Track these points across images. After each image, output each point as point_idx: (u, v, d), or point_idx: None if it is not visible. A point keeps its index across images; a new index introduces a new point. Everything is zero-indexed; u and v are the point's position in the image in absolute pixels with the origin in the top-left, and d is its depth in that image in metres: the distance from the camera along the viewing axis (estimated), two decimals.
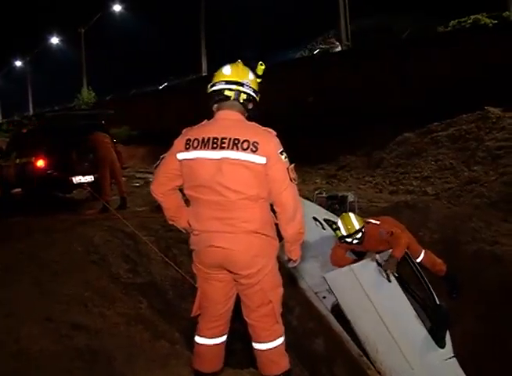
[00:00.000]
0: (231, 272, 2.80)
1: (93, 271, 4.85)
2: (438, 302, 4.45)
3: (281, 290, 2.92)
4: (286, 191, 2.71)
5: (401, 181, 10.25)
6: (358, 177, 11.48)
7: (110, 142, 9.09)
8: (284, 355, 2.99)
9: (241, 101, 2.79)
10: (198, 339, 3.01)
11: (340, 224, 4.82)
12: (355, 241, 4.78)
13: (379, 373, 4.03)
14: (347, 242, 4.81)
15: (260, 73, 2.90)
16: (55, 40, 37.83)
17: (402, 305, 4.20)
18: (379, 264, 4.33)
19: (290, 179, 2.72)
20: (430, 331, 4.16)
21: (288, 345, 4.50)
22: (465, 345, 4.44)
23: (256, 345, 2.93)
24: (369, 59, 14.87)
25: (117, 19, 31.94)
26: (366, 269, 4.35)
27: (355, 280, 4.27)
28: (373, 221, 4.99)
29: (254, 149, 2.64)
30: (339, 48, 19.03)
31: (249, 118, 2.87)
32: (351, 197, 7.59)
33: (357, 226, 4.75)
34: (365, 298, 4.17)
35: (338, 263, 4.92)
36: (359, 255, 5.09)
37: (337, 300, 4.46)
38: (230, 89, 2.78)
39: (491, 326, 4.62)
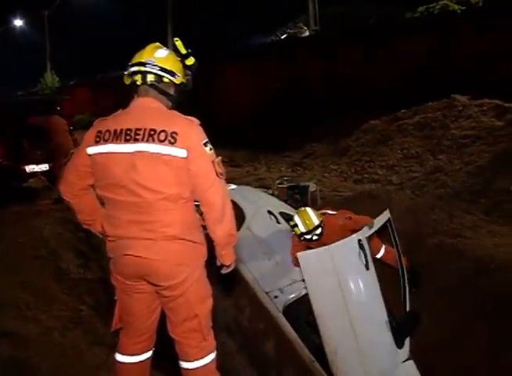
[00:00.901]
0: (151, 283, 2.45)
1: (36, 268, 4.51)
2: (407, 309, 4.14)
3: (210, 302, 2.58)
4: (213, 188, 2.38)
5: (366, 169, 10.07)
6: (324, 165, 11.24)
7: (67, 129, 8.72)
8: (214, 373, 2.65)
9: (149, 83, 2.43)
10: (120, 357, 2.66)
11: (297, 220, 4.52)
12: (315, 237, 4.50)
13: None
14: (306, 239, 4.51)
15: (183, 51, 2.53)
16: (18, 22, 36.59)
17: (375, 299, 3.80)
18: (360, 246, 3.78)
19: (217, 174, 2.39)
20: (393, 330, 3.82)
21: (239, 346, 4.36)
22: (424, 342, 4.23)
23: (183, 364, 2.59)
24: (337, 44, 14.61)
25: (82, 2, 31.05)
26: (346, 251, 3.79)
27: (330, 263, 3.74)
28: (330, 212, 4.75)
29: (172, 140, 2.29)
30: (307, 33, 18.74)
31: (177, 107, 2.51)
32: (312, 187, 7.39)
33: (316, 222, 4.47)
34: (336, 286, 3.70)
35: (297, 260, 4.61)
36: None
37: (305, 287, 4.05)
38: (135, 72, 2.44)
39: (450, 321, 4.42)
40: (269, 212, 5.31)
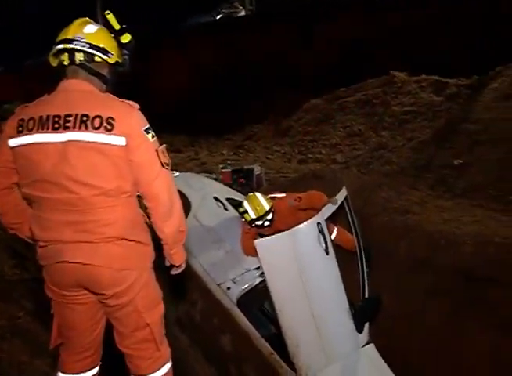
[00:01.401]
0: (93, 292, 2.16)
1: None
2: (366, 295, 3.99)
3: (161, 307, 2.28)
4: (158, 180, 2.08)
5: (309, 149, 10.02)
6: (266, 146, 11.16)
7: None
8: None
9: (78, 63, 2.09)
10: None
11: (247, 207, 4.31)
12: (266, 223, 4.32)
13: (294, 371, 3.55)
14: (257, 225, 4.30)
15: (116, 26, 2.20)
16: None
17: (335, 285, 3.58)
18: (320, 229, 3.50)
19: (162, 164, 2.09)
20: (353, 316, 3.66)
21: (194, 342, 4.11)
22: (384, 322, 4.17)
23: None
24: (273, 23, 14.47)
25: None
26: (306, 235, 3.47)
27: (290, 250, 3.44)
28: (279, 195, 4.58)
29: (108, 127, 1.97)
30: (243, 13, 18.41)
31: (114, 90, 2.19)
32: (257, 170, 7.30)
33: (266, 207, 4.29)
34: (297, 275, 3.43)
35: (252, 252, 4.37)
36: None
37: (262, 274, 3.78)
38: (61, 51, 2.10)
39: (400, 299, 4.40)
40: (216, 199, 5.05)
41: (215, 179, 6.77)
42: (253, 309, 4.22)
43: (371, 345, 3.76)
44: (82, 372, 2.32)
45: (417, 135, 8.17)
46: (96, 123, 1.96)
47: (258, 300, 4.46)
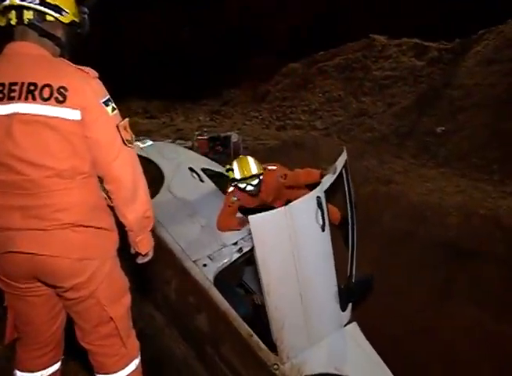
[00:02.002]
0: (49, 285, 1.90)
1: None
2: (353, 272, 3.76)
3: (127, 299, 2.03)
4: (119, 160, 1.81)
5: (288, 115, 9.76)
6: (244, 112, 10.84)
7: None
8: None
9: (27, 22, 1.78)
10: (20, 375, 2.11)
11: (235, 166, 4.08)
12: (249, 188, 4.06)
13: (273, 351, 3.37)
14: (240, 188, 4.07)
15: None
16: None
17: (327, 265, 3.35)
18: (319, 204, 3.17)
19: (124, 142, 1.82)
20: (339, 295, 3.46)
21: (169, 321, 3.91)
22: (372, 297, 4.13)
23: None
24: None
25: None
26: (305, 210, 3.16)
27: (287, 226, 3.12)
28: (270, 167, 4.32)
29: (59, 98, 1.68)
30: None
31: (72, 55, 1.89)
32: (234, 137, 7.02)
33: (254, 171, 4.04)
34: (289, 253, 3.15)
35: (229, 227, 4.15)
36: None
37: (252, 249, 3.51)
38: (8, 8, 1.79)
39: (383, 272, 4.29)
40: (191, 170, 4.73)
41: (191, 148, 6.47)
42: (231, 286, 4.04)
43: (354, 324, 3.62)
44: (42, 369, 2.09)
45: (399, 100, 7.99)
46: (46, 93, 1.67)
47: (236, 277, 4.33)
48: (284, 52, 11.30)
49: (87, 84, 1.75)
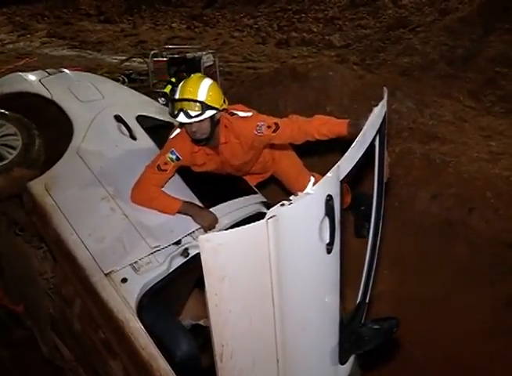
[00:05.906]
0: None
1: None
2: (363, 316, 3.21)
3: None
4: None
5: (294, 25, 9.61)
6: (234, 18, 10.80)
7: None
8: None
9: None
10: None
11: (180, 84, 3.55)
12: (184, 120, 3.43)
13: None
14: (172, 114, 3.50)
15: None
16: None
17: (327, 314, 2.78)
18: (328, 207, 2.35)
19: None
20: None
21: (76, 357, 3.68)
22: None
23: None
24: None
25: None
26: (303, 219, 2.36)
27: (264, 251, 2.34)
28: (241, 113, 3.74)
29: None
30: None
31: None
32: (207, 60, 6.65)
33: (201, 97, 3.48)
34: (266, 294, 2.47)
35: (146, 193, 3.61)
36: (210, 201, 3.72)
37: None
38: None
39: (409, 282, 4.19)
40: (118, 119, 4.15)
41: (143, 75, 5.95)
42: (168, 313, 3.62)
43: None
44: None
45: (455, 5, 7.45)
46: None
47: (180, 296, 3.94)
48: None
49: None
